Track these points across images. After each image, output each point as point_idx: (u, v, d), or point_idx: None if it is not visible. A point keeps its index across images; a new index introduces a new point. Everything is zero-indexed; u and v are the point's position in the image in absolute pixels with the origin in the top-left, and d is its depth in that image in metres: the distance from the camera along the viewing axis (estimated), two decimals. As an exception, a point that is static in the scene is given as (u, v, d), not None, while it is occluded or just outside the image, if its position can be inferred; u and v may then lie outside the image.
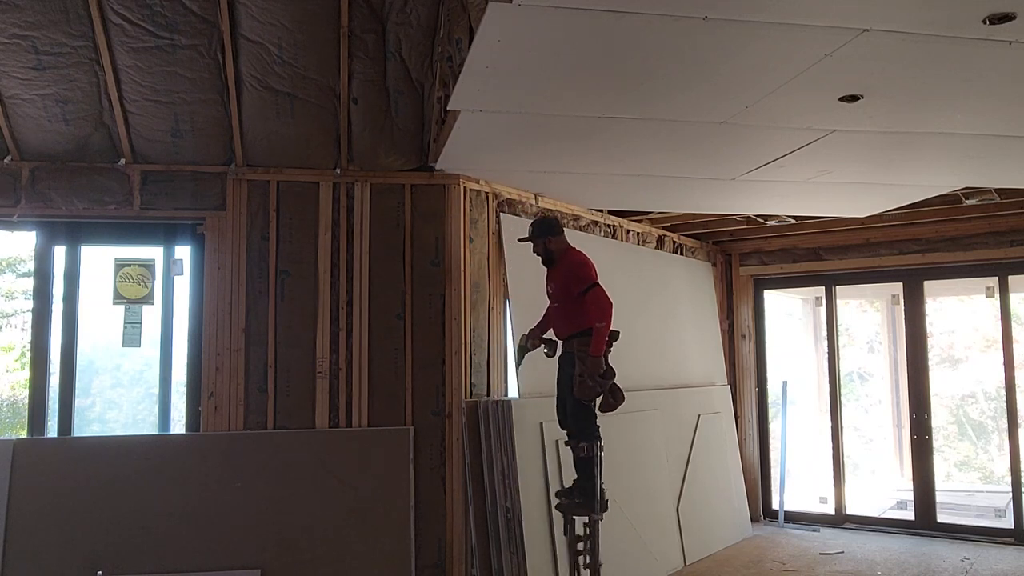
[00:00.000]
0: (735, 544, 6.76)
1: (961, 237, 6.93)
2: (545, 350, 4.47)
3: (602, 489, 4.20)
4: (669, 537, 6.00)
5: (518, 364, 4.63)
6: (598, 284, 4.10)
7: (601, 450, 4.18)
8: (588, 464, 4.15)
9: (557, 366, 4.42)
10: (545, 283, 4.45)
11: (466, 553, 4.83)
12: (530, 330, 4.52)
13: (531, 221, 4.48)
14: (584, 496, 4.17)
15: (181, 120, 4.65)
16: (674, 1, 2.69)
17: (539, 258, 4.41)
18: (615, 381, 4.14)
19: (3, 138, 4.61)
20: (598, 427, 4.20)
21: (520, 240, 4.45)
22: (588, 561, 4.15)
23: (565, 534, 4.31)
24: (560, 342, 4.34)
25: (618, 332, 4.22)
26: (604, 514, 4.19)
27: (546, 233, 4.33)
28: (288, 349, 4.80)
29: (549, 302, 4.44)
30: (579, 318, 4.11)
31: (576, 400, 4.13)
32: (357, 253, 4.94)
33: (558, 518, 4.91)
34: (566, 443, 4.40)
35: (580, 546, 4.21)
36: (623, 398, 4.19)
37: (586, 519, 4.23)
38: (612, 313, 4.06)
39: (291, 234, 4.88)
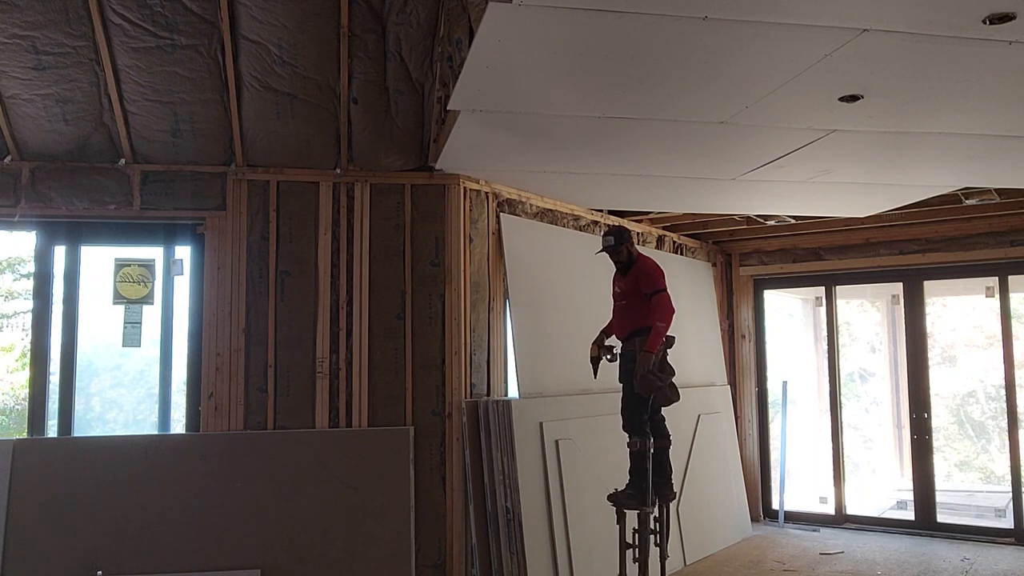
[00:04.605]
0: (735, 544, 6.76)
1: (961, 237, 6.93)
2: (607, 356, 4.66)
3: (654, 483, 4.37)
4: (669, 537, 5.99)
5: (595, 375, 4.72)
6: (666, 291, 4.37)
7: (651, 445, 4.38)
8: (640, 459, 4.35)
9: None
10: (612, 284, 4.64)
11: (466, 553, 4.83)
12: (595, 340, 4.70)
13: (607, 232, 4.61)
14: (635, 489, 4.35)
15: (181, 120, 4.65)
16: (674, 1, 2.69)
17: (623, 269, 4.57)
18: (672, 380, 4.38)
19: (3, 138, 4.61)
20: (647, 422, 4.40)
21: (603, 251, 4.59)
22: (637, 555, 4.31)
23: (617, 524, 4.45)
24: (619, 344, 4.56)
25: (674, 338, 4.47)
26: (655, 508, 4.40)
27: (627, 239, 4.54)
28: (288, 349, 4.80)
29: (614, 302, 4.61)
30: (643, 318, 4.33)
31: (635, 394, 4.32)
32: (357, 253, 4.94)
33: (558, 518, 4.92)
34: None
35: (630, 539, 4.38)
36: (678, 396, 4.40)
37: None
38: (672, 320, 4.33)
39: (291, 234, 4.88)
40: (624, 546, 4.34)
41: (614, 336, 4.64)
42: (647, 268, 4.46)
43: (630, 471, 4.38)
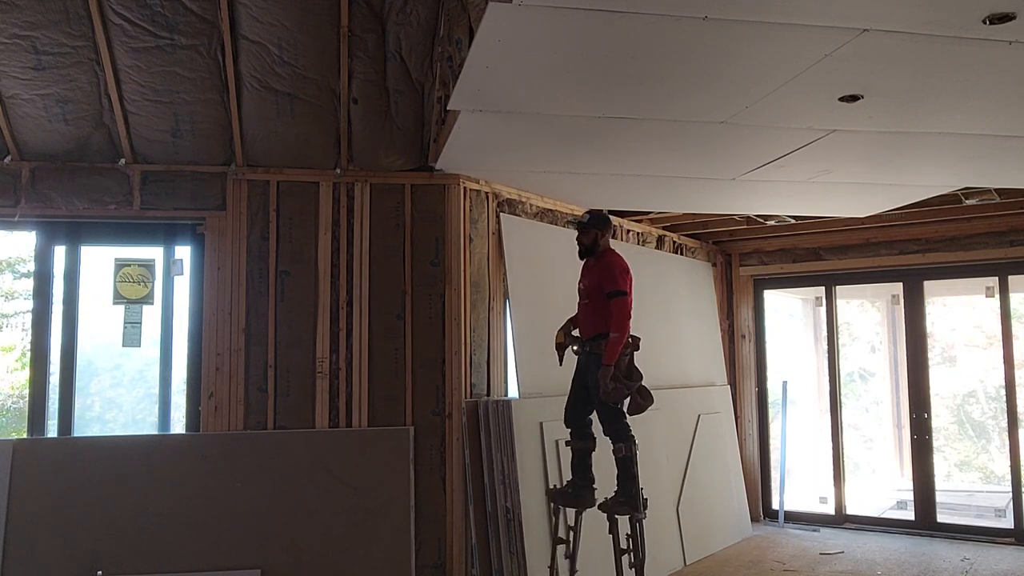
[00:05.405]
0: (735, 544, 6.76)
1: (961, 237, 6.93)
2: (574, 348, 4.50)
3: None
4: (669, 537, 6.00)
5: (560, 362, 4.58)
6: (626, 294, 4.17)
7: (637, 448, 4.24)
8: (628, 464, 4.22)
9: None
10: (578, 280, 4.49)
11: (466, 553, 4.83)
12: (562, 327, 4.56)
13: (588, 211, 4.47)
14: (627, 496, 4.22)
15: (181, 120, 4.65)
16: (674, 1, 2.69)
17: (581, 252, 4.44)
18: (642, 383, 4.22)
19: (3, 138, 4.61)
20: (629, 426, 4.25)
21: (570, 223, 4.45)
22: (633, 560, 4.19)
23: (610, 533, 4.29)
24: (584, 340, 4.40)
25: (638, 338, 4.31)
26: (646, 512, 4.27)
27: (601, 226, 4.39)
28: (288, 349, 4.80)
29: (579, 298, 4.47)
30: (605, 320, 4.18)
31: (603, 402, 4.20)
32: (357, 253, 4.94)
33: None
34: (567, 443, 4.47)
35: (624, 544, 4.24)
36: (651, 399, 4.27)
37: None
38: (630, 327, 4.14)
39: (291, 234, 4.89)
40: (619, 552, 4.23)
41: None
42: (610, 264, 4.25)
43: (618, 477, 4.27)
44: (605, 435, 4.31)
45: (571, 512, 4.54)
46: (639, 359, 4.35)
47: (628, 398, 4.19)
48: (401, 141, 4.91)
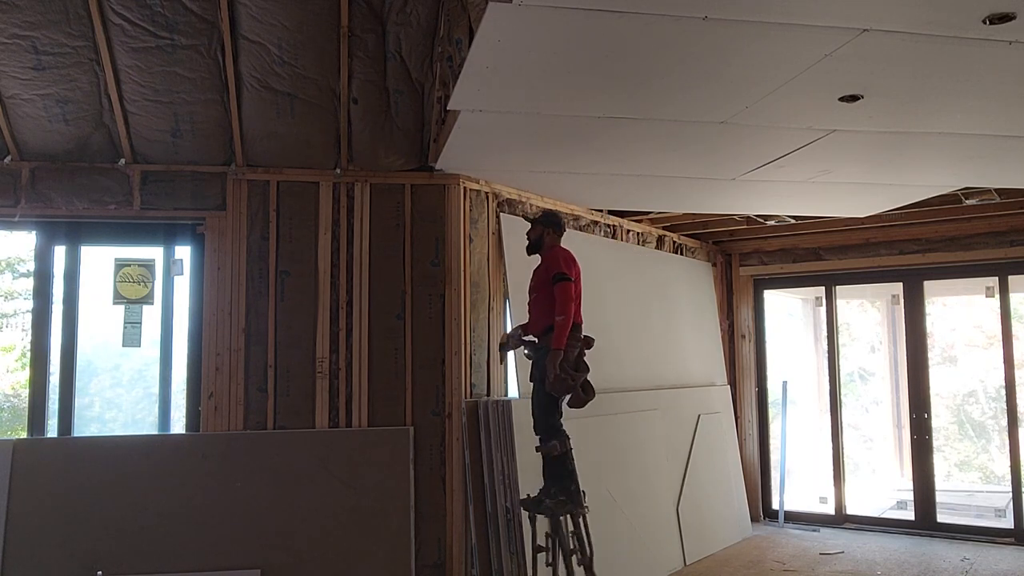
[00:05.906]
0: (735, 544, 6.76)
1: (961, 237, 6.93)
2: (525, 351, 4.49)
3: (571, 490, 4.20)
4: (669, 537, 6.00)
5: (501, 361, 4.63)
6: (570, 280, 4.13)
7: (570, 443, 4.19)
8: (564, 460, 4.16)
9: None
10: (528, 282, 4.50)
11: (466, 553, 4.83)
12: (512, 329, 4.57)
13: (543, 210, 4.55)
14: (567, 493, 4.14)
15: (181, 120, 4.65)
16: (674, 1, 2.69)
17: (528, 248, 4.53)
18: (587, 377, 4.17)
19: (3, 138, 4.61)
20: (562, 423, 4.20)
21: (527, 217, 4.55)
22: (581, 558, 4.10)
23: (555, 533, 4.17)
24: (536, 340, 4.37)
25: (592, 339, 4.28)
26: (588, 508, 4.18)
27: (550, 224, 4.45)
28: (288, 349, 4.80)
29: (528, 296, 4.45)
30: (552, 311, 4.13)
31: (546, 394, 4.14)
32: (357, 253, 4.94)
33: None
34: (536, 448, 4.33)
35: (571, 544, 4.14)
36: (593, 394, 4.20)
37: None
38: (573, 311, 4.10)
39: (291, 234, 4.89)
40: (568, 553, 4.08)
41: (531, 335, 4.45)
42: (555, 256, 4.27)
43: (552, 476, 4.17)
44: (536, 431, 4.24)
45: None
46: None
47: (571, 392, 4.13)
48: (401, 141, 4.91)
